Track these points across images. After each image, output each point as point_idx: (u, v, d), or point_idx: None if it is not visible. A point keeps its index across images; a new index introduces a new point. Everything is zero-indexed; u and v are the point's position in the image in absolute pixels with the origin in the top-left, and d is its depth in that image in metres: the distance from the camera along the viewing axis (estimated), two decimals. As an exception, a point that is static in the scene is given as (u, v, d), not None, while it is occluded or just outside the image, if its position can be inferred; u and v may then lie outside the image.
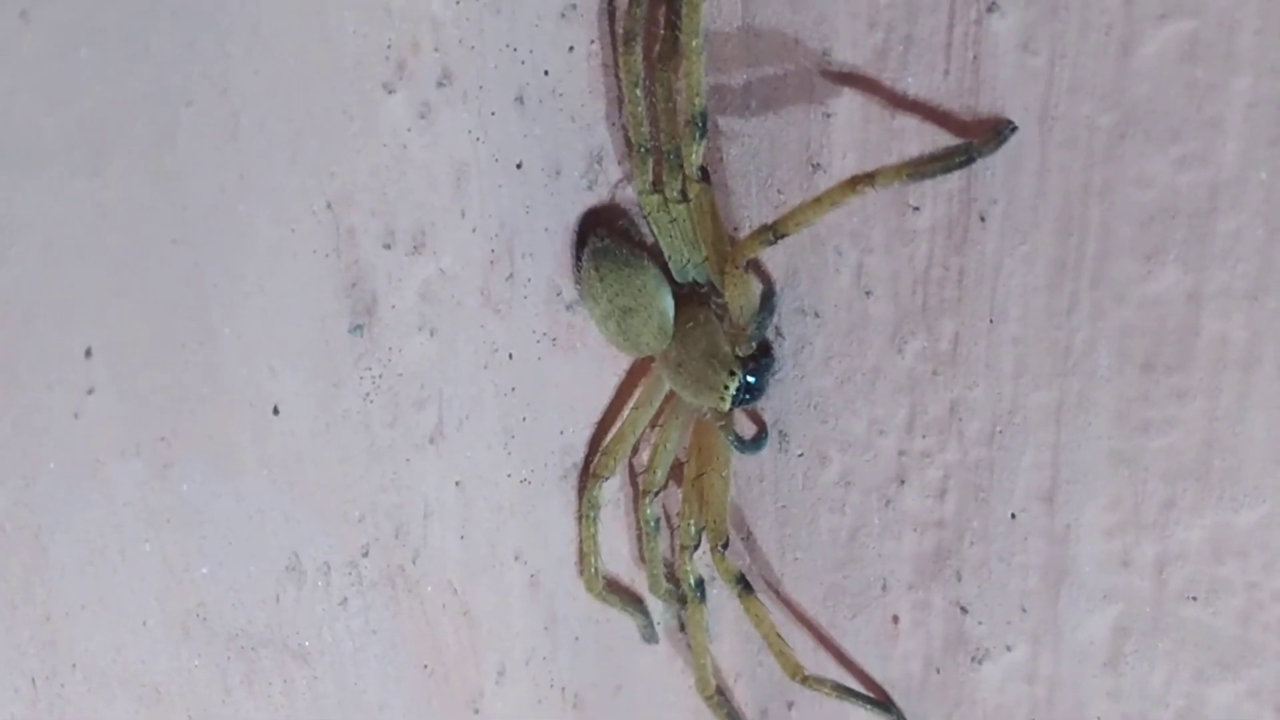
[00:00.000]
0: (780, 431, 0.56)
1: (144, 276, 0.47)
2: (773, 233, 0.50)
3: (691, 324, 0.54)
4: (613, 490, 0.58)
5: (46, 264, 0.46)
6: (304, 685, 0.54)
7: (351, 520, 0.54)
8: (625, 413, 0.57)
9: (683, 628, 0.59)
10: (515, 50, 0.52)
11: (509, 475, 0.57)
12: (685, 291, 0.54)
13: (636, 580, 0.60)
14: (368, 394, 0.53)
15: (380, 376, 0.53)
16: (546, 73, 0.53)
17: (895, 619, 0.55)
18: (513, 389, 0.56)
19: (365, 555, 0.54)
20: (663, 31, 0.51)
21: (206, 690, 0.52)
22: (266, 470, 0.51)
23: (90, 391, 0.47)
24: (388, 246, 0.52)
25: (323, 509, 0.53)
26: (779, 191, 0.53)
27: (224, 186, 0.48)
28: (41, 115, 0.44)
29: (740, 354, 0.53)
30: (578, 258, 0.55)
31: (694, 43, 0.49)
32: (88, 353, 0.47)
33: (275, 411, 0.51)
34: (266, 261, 0.50)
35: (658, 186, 0.52)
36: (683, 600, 0.57)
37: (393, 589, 0.55)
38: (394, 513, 0.55)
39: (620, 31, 0.52)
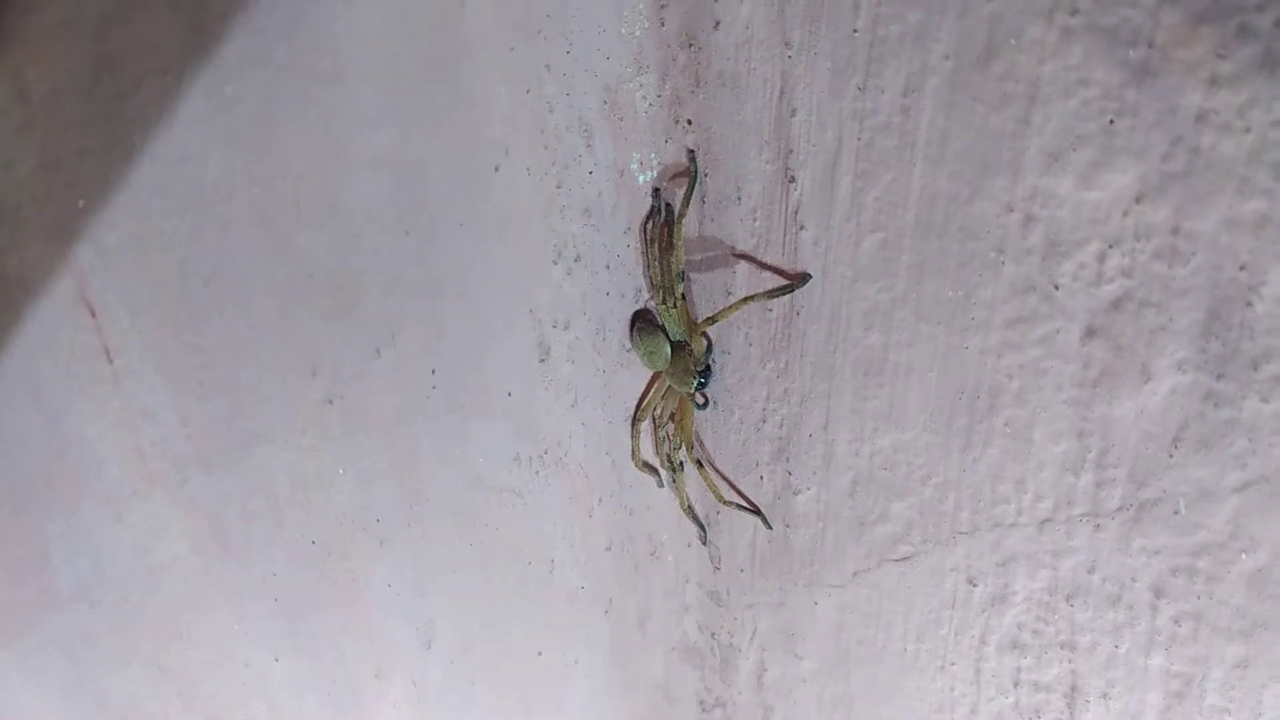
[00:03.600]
0: (714, 401, 0.54)
1: (459, 343, 0.47)
2: (711, 321, 0.50)
3: (678, 358, 0.53)
4: (645, 426, 0.57)
5: (416, 337, 0.45)
6: (520, 508, 0.53)
7: (539, 439, 0.53)
8: (649, 394, 0.56)
9: (674, 481, 0.57)
10: (606, 246, 0.51)
11: (603, 420, 0.56)
12: (676, 344, 0.53)
13: (654, 461, 0.58)
14: (546, 387, 0.52)
15: (551, 380, 0.52)
16: (618, 255, 0.52)
17: (761, 477, 0.53)
18: (605, 385, 0.55)
19: (545, 453, 0.53)
20: (665, 240, 0.50)
21: (484, 511, 0.51)
22: (506, 420, 0.51)
23: (434, 388, 0.47)
24: (555, 326, 0.51)
25: (528, 435, 0.52)
26: (712, 304, 0.52)
27: (486, 306, 0.47)
28: (411, 273, 0.44)
29: (697, 369, 0.52)
30: (630, 331, 0.54)
31: (678, 243, 0.49)
32: (433, 371, 0.46)
33: (509, 395, 0.50)
34: (503, 334, 0.49)
35: (664, 302, 0.51)
36: (674, 470, 0.56)
37: (557, 467, 0.54)
38: (556, 435, 0.54)
39: (647, 237, 0.51)
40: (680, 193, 0.49)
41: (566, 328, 0.52)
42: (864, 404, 0.48)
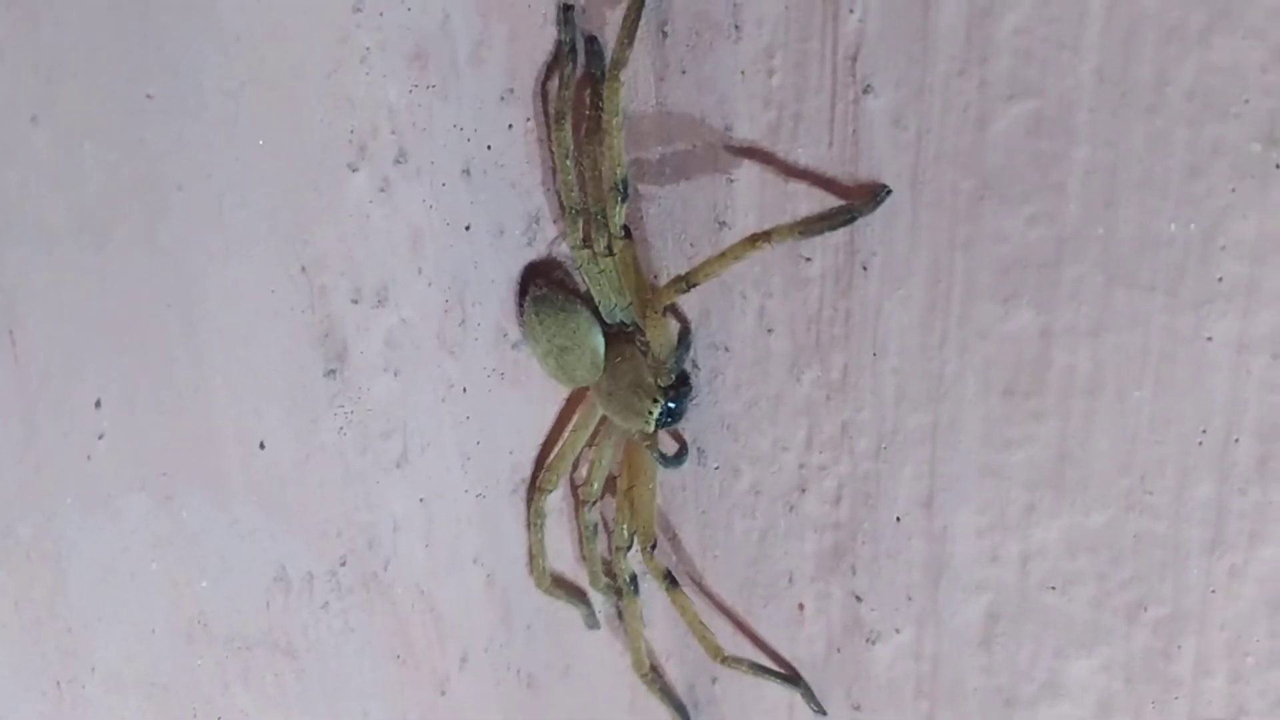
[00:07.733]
0: (699, 449, 0.55)
1: (144, 336, 0.47)
2: (686, 282, 0.50)
3: (620, 359, 0.53)
4: (556, 501, 0.58)
5: (59, 328, 0.45)
6: (292, 678, 0.54)
7: (330, 536, 0.53)
8: (565, 435, 0.57)
9: (620, 616, 0.58)
10: (461, 130, 0.52)
11: (466, 491, 0.56)
12: (614, 331, 0.54)
13: (578, 576, 0.59)
14: (341, 428, 0.52)
15: (352, 413, 0.53)
16: (489, 148, 0.53)
17: (801, 606, 0.55)
18: (467, 418, 0.56)
19: (343, 565, 0.54)
20: (589, 111, 0.51)
21: (209, 686, 0.52)
22: (255, 496, 0.51)
23: (100, 436, 0.47)
24: (355, 301, 0.51)
25: (305, 527, 0.53)
26: (691, 245, 0.53)
27: (212, 256, 0.48)
28: (51, 201, 0.44)
29: (661, 384, 0.53)
30: (520, 304, 0.55)
31: (614, 121, 0.49)
32: (98, 404, 0.47)
33: (261, 446, 0.51)
34: (251, 318, 0.49)
35: (587, 243, 0.52)
36: (619, 593, 0.57)
37: (367, 593, 0.55)
38: (367, 528, 0.54)
39: (552, 111, 0.52)
40: (616, 17, 0.50)
41: (381, 303, 0.52)
42: (1006, 455, 0.49)
